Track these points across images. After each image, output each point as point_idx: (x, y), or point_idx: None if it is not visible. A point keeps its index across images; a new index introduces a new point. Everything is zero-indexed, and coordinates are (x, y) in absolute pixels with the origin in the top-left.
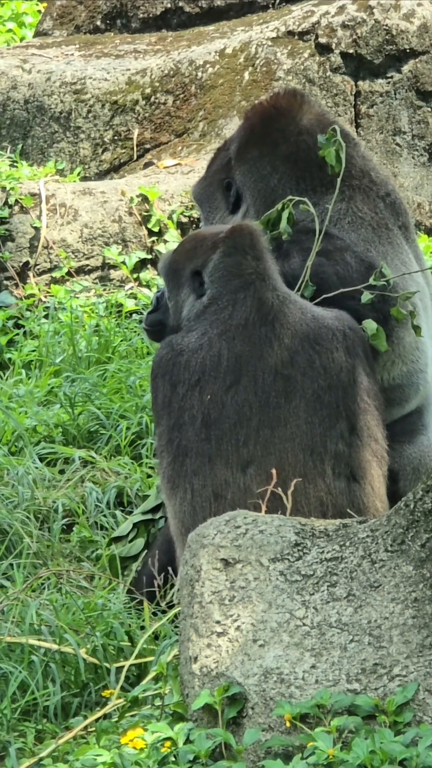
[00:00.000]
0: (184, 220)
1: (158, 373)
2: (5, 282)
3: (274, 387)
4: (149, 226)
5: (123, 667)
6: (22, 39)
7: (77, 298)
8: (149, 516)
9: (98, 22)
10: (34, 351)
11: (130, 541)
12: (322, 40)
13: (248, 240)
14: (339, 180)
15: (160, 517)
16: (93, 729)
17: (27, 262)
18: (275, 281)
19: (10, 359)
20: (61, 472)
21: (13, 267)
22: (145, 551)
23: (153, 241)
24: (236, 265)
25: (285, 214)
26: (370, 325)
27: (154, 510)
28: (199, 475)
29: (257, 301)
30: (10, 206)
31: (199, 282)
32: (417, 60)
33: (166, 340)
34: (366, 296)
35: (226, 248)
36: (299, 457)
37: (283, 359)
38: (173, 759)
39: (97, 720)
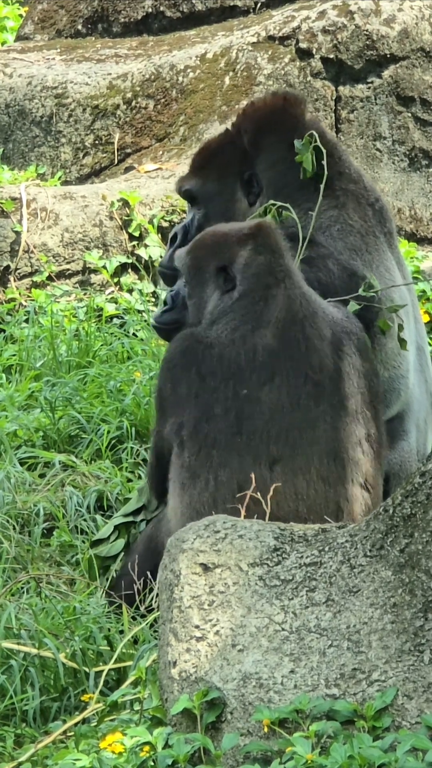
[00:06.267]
0: (165, 224)
1: (180, 363)
2: None
3: (305, 389)
4: (130, 230)
5: (102, 671)
6: (3, 43)
7: (58, 302)
8: (130, 518)
9: (79, 27)
10: (14, 355)
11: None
12: (303, 45)
13: (274, 238)
14: (322, 186)
15: (141, 520)
16: (72, 733)
17: (8, 267)
18: (299, 279)
19: None
20: (42, 476)
21: None
22: (125, 552)
23: (134, 246)
24: (266, 262)
25: (268, 219)
26: None
27: (135, 513)
28: (226, 467)
29: (287, 299)
30: None
31: (225, 278)
32: (397, 65)
33: (185, 332)
34: (353, 306)
35: (256, 245)
36: (323, 461)
37: (311, 362)
38: (152, 763)
39: (76, 724)
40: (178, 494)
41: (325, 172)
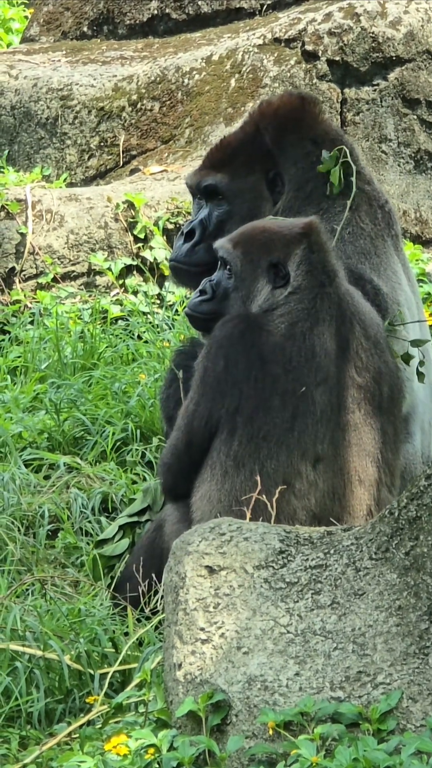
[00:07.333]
0: (170, 226)
1: (239, 343)
2: None
3: (351, 392)
4: (135, 232)
5: (107, 673)
6: (8, 45)
7: (63, 304)
8: (135, 519)
9: (85, 29)
10: (19, 357)
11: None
12: (309, 47)
13: (324, 236)
14: (349, 202)
15: (146, 520)
16: (77, 735)
17: (13, 268)
18: (344, 277)
19: None
20: (47, 477)
21: None
22: (129, 553)
23: (139, 248)
24: (320, 261)
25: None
26: None
27: (140, 513)
28: (273, 460)
29: (339, 298)
30: None
31: (275, 273)
32: (403, 67)
33: (241, 314)
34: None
35: (310, 244)
36: (363, 463)
37: (358, 364)
38: (157, 766)
39: (80, 726)
40: (218, 480)
41: (354, 188)
